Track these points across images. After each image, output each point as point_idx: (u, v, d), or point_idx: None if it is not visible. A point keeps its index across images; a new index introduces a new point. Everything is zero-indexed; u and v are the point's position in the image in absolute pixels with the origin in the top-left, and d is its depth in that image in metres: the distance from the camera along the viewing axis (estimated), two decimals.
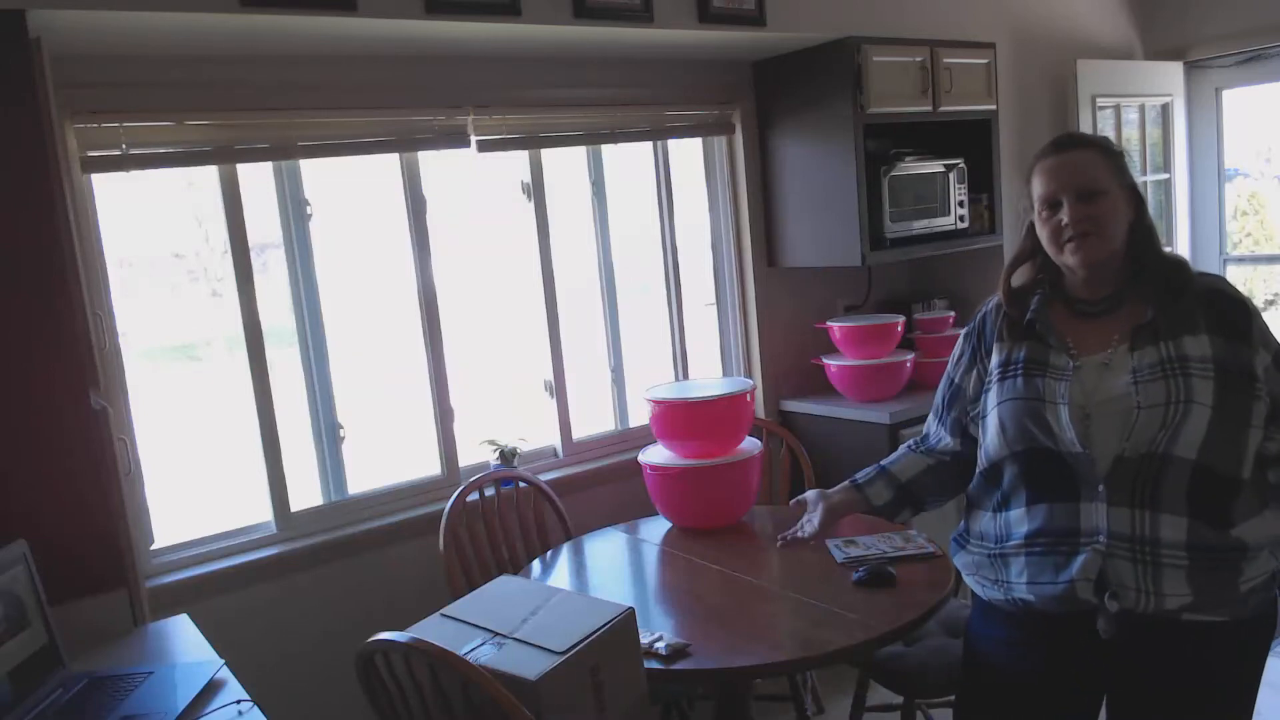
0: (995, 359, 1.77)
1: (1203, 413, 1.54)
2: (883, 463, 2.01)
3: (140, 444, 2.51)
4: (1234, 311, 1.61)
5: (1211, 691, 1.61)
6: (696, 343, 3.62)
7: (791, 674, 2.74)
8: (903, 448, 2.03)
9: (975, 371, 1.81)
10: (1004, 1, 3.81)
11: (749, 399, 2.80)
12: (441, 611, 1.87)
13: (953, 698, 2.21)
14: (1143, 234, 1.69)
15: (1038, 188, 1.69)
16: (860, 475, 2.02)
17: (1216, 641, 1.58)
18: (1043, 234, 1.70)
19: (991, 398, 1.75)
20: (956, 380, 1.85)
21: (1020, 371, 1.71)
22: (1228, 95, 4.45)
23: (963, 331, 1.88)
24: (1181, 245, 4.47)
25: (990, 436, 1.75)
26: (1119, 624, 1.60)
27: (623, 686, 1.74)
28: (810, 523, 2.08)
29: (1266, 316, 1.70)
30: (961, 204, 3.55)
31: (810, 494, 2.12)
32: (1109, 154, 1.69)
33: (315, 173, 2.77)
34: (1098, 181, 1.64)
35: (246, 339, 2.66)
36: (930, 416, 1.96)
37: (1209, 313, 1.61)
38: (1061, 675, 1.72)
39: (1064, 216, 1.64)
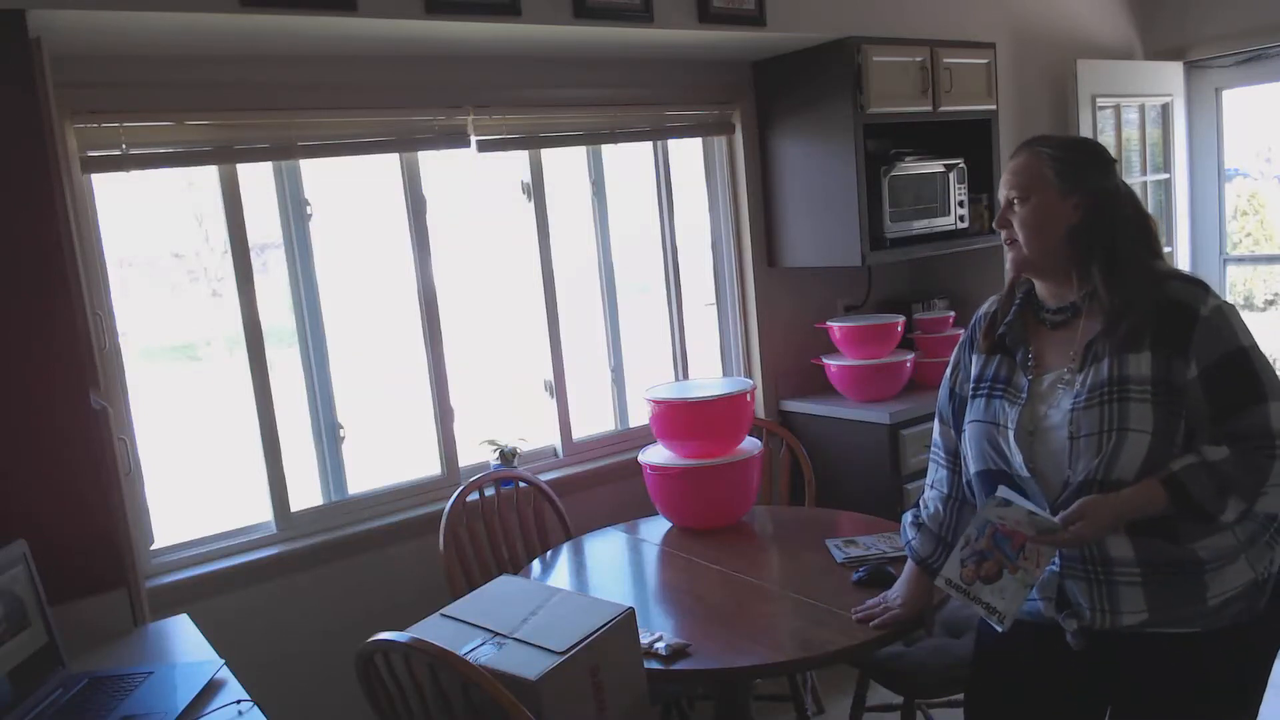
0: (973, 371, 1.79)
1: (1140, 439, 1.52)
2: (911, 542, 1.96)
3: (140, 444, 2.51)
4: (1180, 323, 1.54)
5: (1207, 697, 1.60)
6: (696, 343, 3.62)
7: (791, 674, 2.74)
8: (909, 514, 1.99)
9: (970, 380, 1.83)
10: (1004, 1, 3.81)
11: (749, 399, 2.80)
12: (441, 611, 1.87)
13: (951, 698, 2.22)
14: (1085, 240, 1.63)
15: None
16: (910, 551, 1.97)
17: (1194, 651, 1.57)
18: None
19: (967, 414, 1.78)
20: (956, 389, 1.85)
21: (986, 391, 1.74)
22: (1228, 95, 4.45)
23: (958, 342, 1.90)
24: (1181, 245, 4.47)
25: (965, 453, 1.78)
26: (1087, 639, 1.61)
27: (623, 686, 1.74)
28: (896, 601, 2.00)
29: (1266, 317, 1.67)
30: (961, 204, 3.55)
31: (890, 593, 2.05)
32: (1058, 160, 1.65)
33: (315, 173, 2.77)
34: (1024, 187, 1.66)
35: (246, 339, 2.66)
36: (933, 453, 1.93)
37: (1158, 326, 1.56)
38: (1058, 678, 1.72)
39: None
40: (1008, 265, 1.73)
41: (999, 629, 1.62)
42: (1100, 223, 1.63)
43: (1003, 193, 1.71)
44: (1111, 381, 1.56)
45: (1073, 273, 1.66)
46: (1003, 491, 1.63)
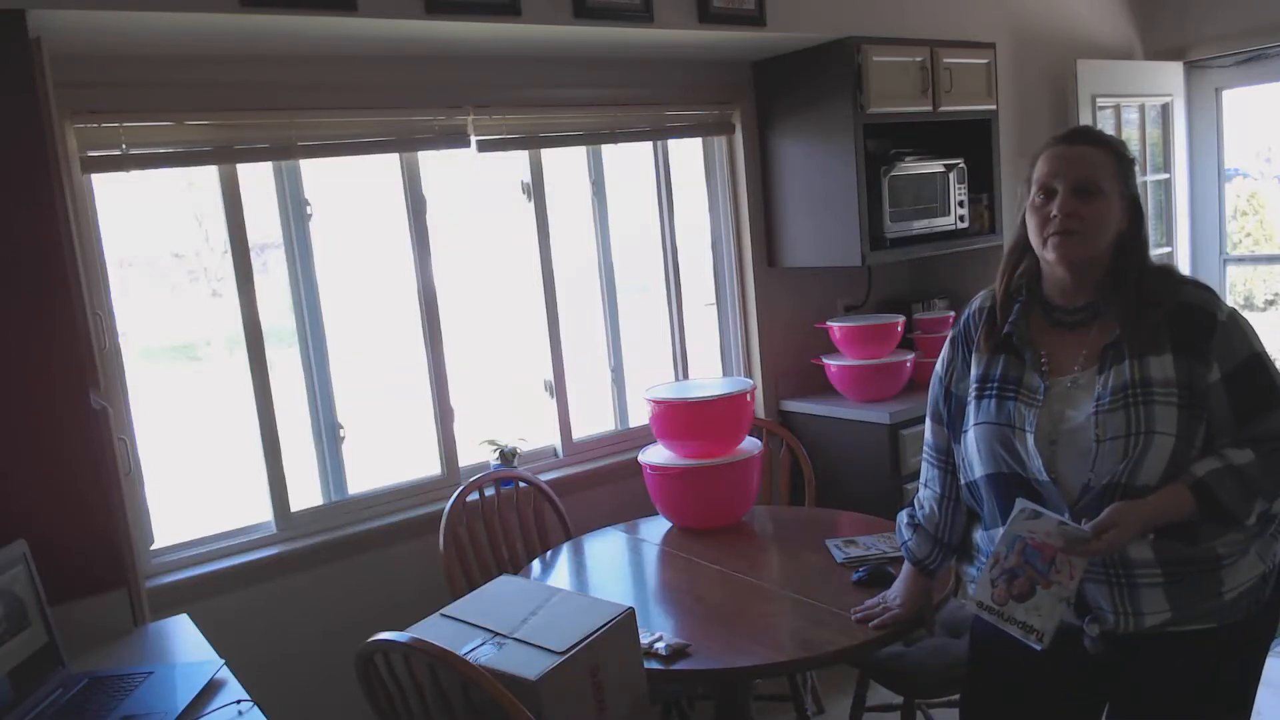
0: (974, 371, 1.75)
1: (1165, 442, 1.52)
2: (907, 543, 1.96)
3: (140, 444, 2.51)
4: (1199, 325, 1.55)
5: (1208, 694, 1.61)
6: (696, 343, 3.62)
7: (791, 674, 2.74)
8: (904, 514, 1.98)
9: (967, 378, 1.79)
10: (1004, 1, 3.81)
11: (749, 399, 2.80)
12: (441, 611, 1.87)
13: (952, 697, 2.21)
14: (1131, 246, 1.63)
15: (1038, 171, 1.66)
16: (906, 552, 1.96)
17: (1207, 647, 1.57)
18: (1031, 223, 1.66)
19: (969, 416, 1.74)
20: (952, 388, 1.82)
21: (995, 393, 1.70)
22: (1228, 95, 4.45)
23: (948, 336, 1.86)
24: (1181, 245, 4.47)
25: (968, 455, 1.75)
26: (1104, 642, 1.60)
27: (623, 686, 1.74)
28: (895, 601, 2.00)
29: (1266, 317, 1.67)
30: (961, 204, 3.55)
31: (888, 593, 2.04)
32: (1119, 158, 1.64)
33: (315, 173, 2.77)
34: (1098, 180, 1.60)
35: (246, 339, 2.66)
36: (926, 453, 1.91)
37: (1176, 329, 1.56)
38: (1059, 681, 1.72)
39: (1054, 207, 1.61)
40: (1053, 256, 1.61)
41: (1037, 648, 1.57)
42: (1137, 228, 1.65)
43: (1066, 175, 1.61)
44: (1134, 384, 1.55)
45: (1100, 273, 1.64)
46: (1024, 503, 1.60)
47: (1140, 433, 1.53)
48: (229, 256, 2.63)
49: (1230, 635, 1.58)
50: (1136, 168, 1.68)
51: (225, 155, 2.55)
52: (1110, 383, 1.58)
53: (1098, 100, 4.00)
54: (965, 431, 1.76)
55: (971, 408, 1.74)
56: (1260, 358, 1.56)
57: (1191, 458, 1.54)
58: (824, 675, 3.10)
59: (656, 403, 2.75)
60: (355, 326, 2.94)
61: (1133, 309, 1.59)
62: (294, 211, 2.76)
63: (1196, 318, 1.57)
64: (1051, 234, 1.61)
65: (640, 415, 3.40)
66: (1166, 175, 4.40)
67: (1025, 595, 1.58)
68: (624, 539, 2.76)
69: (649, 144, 3.44)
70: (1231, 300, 4.51)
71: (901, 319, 3.50)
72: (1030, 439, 1.62)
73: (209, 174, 2.60)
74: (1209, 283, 1.66)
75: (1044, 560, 1.56)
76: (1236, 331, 1.56)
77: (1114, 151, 1.64)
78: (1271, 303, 4.82)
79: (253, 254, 2.66)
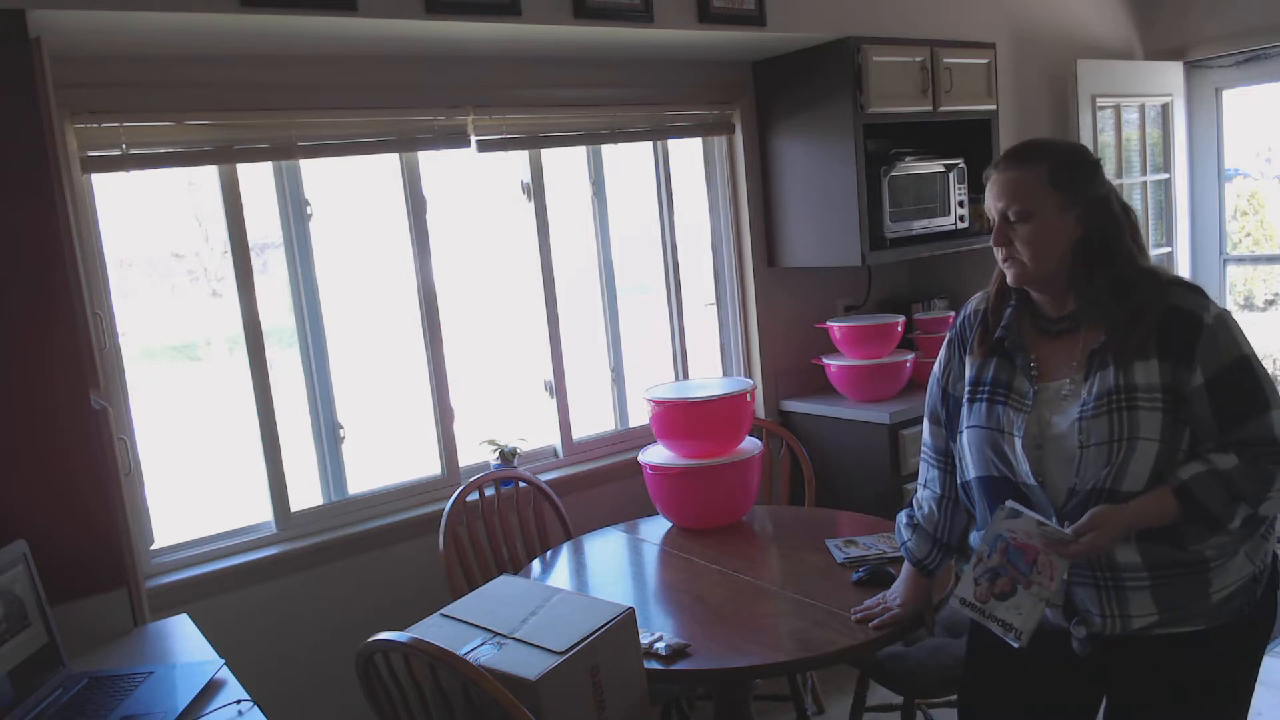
0: (968, 374, 1.76)
1: (1149, 448, 1.52)
2: (906, 543, 1.97)
3: (140, 444, 2.51)
4: (1184, 330, 1.54)
5: (1203, 695, 1.61)
6: (696, 343, 3.62)
7: (791, 674, 2.74)
8: (904, 514, 1.99)
9: (963, 380, 1.80)
10: (1004, 1, 3.81)
11: (749, 399, 2.80)
12: (441, 611, 1.87)
13: (952, 698, 2.22)
14: (1095, 252, 1.61)
15: (985, 199, 1.71)
16: (905, 553, 1.97)
17: (1199, 649, 1.58)
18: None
19: (963, 418, 1.75)
20: (949, 389, 1.83)
21: (986, 396, 1.71)
22: (1228, 95, 4.45)
23: (945, 337, 1.87)
24: (1181, 245, 4.47)
25: (963, 457, 1.76)
26: (1092, 644, 1.61)
27: (623, 686, 1.74)
28: (894, 601, 2.00)
29: (1266, 316, 1.66)
30: (961, 204, 3.55)
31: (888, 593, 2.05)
32: (1054, 170, 1.60)
33: (315, 173, 2.77)
34: (1024, 204, 1.60)
35: (246, 339, 2.66)
36: (924, 454, 1.92)
37: (1163, 333, 1.55)
38: (1055, 682, 1.73)
39: (992, 237, 1.67)
40: (1008, 278, 1.68)
41: (1015, 645, 1.59)
42: (1100, 232, 1.62)
43: (995, 206, 1.65)
44: (1119, 389, 1.55)
45: (1063, 284, 1.64)
46: (1010, 503, 1.62)
47: (1124, 439, 1.53)
48: (229, 256, 2.63)
49: (1222, 636, 1.58)
50: (1092, 168, 1.63)
51: (225, 155, 2.55)
52: (1095, 389, 1.58)
53: (1098, 100, 4.00)
54: (960, 433, 1.77)
55: (965, 410, 1.75)
56: (1247, 360, 1.55)
57: (1177, 461, 1.53)
58: (824, 675, 3.11)
59: (656, 403, 2.75)
60: (355, 326, 2.94)
61: (1118, 316, 1.58)
62: (294, 211, 2.76)
63: (1183, 321, 1.55)
64: (1001, 261, 1.68)
65: (640, 415, 3.40)
66: (1166, 175, 4.40)
67: (1007, 594, 1.61)
68: (624, 539, 2.76)
69: (649, 144, 3.44)
70: (1231, 300, 4.50)
71: (901, 319, 3.50)
72: (1018, 443, 1.63)
73: (209, 174, 2.60)
74: (1209, 283, 1.66)
75: (1026, 561, 1.59)
76: (1223, 334, 1.55)
77: (1045, 166, 1.61)
78: (1271, 303, 4.82)
79: (253, 254, 2.66)
